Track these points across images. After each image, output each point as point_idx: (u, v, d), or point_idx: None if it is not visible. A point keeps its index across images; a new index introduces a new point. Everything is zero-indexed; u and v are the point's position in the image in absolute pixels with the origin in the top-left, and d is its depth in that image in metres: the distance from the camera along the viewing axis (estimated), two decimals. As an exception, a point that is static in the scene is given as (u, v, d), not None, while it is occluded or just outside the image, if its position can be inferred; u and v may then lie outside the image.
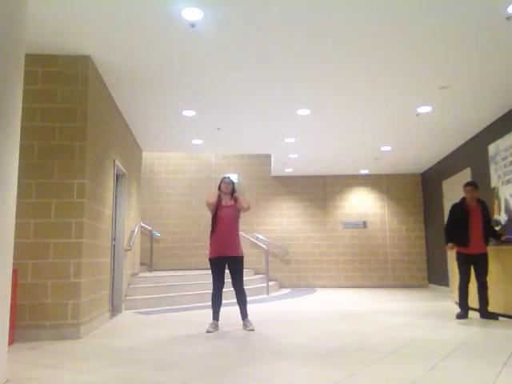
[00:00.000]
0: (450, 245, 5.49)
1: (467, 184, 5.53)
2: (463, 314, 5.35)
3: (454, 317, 5.46)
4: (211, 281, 5.03)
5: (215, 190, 5.13)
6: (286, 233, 10.81)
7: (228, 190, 5.00)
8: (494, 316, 5.24)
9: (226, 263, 4.84)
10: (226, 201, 4.97)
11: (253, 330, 4.68)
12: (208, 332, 4.57)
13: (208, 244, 4.89)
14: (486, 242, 5.42)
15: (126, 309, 6.53)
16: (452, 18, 3.94)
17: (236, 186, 5.15)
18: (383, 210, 10.94)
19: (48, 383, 2.80)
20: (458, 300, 5.50)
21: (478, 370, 2.95)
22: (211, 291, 4.92)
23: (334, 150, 8.72)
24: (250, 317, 5.54)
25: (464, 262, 5.41)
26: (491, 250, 5.70)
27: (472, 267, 5.42)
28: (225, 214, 4.88)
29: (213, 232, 4.90)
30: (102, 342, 4.16)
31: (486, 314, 5.31)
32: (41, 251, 4.34)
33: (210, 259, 4.87)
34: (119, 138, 6.27)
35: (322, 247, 10.82)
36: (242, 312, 4.83)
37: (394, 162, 9.83)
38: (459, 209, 5.49)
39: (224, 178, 5.10)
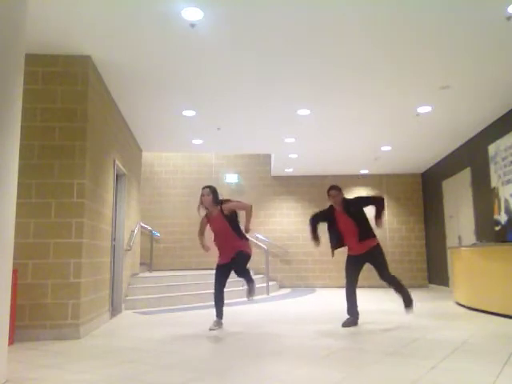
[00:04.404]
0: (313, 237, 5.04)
1: (331, 188, 4.90)
2: (351, 321, 4.88)
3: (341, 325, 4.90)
4: (212, 281, 5.04)
5: (203, 216, 4.83)
6: (286, 233, 10.81)
7: (208, 203, 4.68)
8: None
9: (230, 265, 4.78)
10: (213, 211, 4.73)
11: (251, 298, 4.73)
12: (210, 330, 4.63)
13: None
14: (371, 236, 4.89)
15: (125, 309, 6.53)
16: (452, 17, 3.94)
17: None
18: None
19: (48, 383, 2.80)
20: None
21: (478, 370, 2.95)
22: (212, 291, 4.96)
23: (333, 150, 8.72)
24: (250, 317, 5.53)
25: (349, 264, 5.02)
26: (490, 249, 5.68)
27: (364, 267, 5.01)
28: (214, 226, 4.74)
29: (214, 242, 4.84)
30: (102, 342, 4.16)
31: (410, 305, 4.79)
32: (41, 251, 4.34)
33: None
34: (119, 138, 6.27)
35: (322, 247, 10.79)
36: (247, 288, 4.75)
37: (393, 162, 9.83)
38: (328, 215, 4.99)
39: (202, 189, 4.76)
